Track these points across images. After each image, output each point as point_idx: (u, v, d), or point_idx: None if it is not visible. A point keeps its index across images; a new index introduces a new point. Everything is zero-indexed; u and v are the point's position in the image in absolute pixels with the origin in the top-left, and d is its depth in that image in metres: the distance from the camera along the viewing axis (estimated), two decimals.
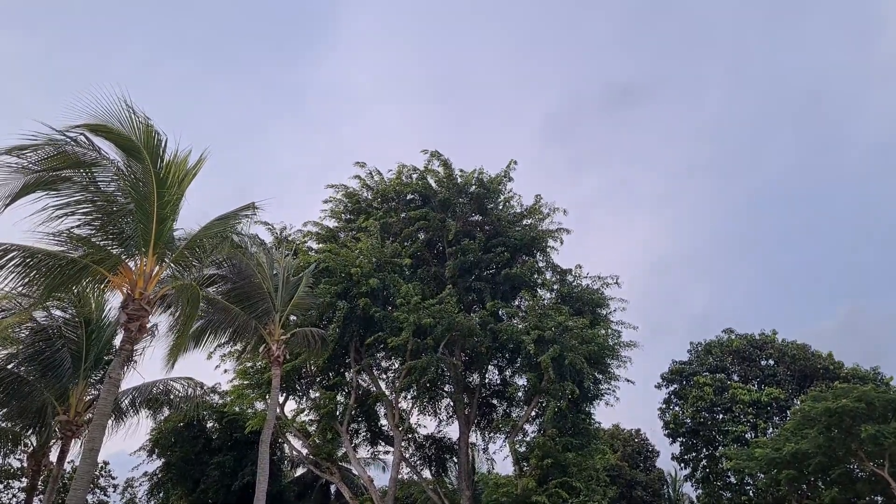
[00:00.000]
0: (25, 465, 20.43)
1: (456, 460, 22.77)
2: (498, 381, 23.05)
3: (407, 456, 22.96)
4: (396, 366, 21.65)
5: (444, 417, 23.50)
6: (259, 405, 21.19)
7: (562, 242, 21.97)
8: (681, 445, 33.62)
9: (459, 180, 22.01)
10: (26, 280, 9.93)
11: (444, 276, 21.04)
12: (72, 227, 10.27)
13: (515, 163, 22.36)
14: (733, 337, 35.63)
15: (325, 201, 23.09)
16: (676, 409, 34.04)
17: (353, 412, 20.91)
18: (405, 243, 21.48)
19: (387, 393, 21.00)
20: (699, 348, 35.91)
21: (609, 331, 20.06)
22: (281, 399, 20.45)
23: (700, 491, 32.83)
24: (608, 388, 20.14)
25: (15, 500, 26.13)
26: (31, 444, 16.75)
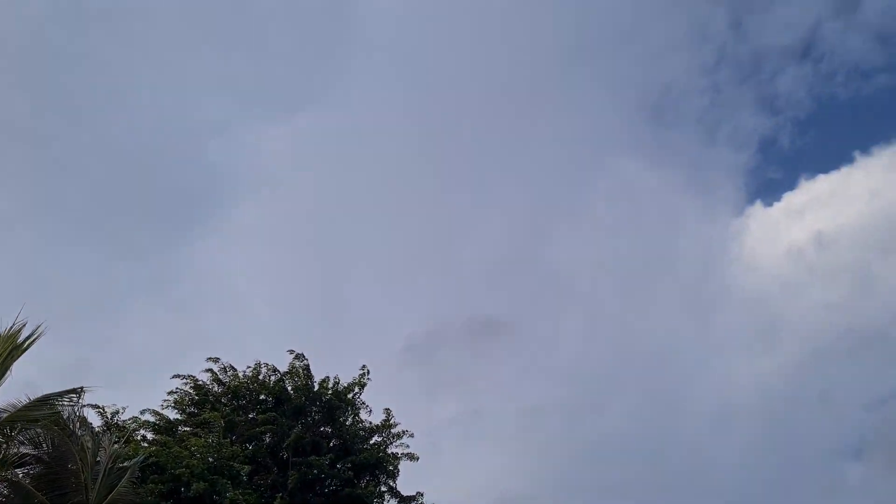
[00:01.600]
0: None
1: None
2: None
3: None
4: None
5: None
6: None
7: (413, 460, 21.72)
8: None
9: (316, 387, 21.88)
10: None
11: (286, 486, 19.87)
12: None
13: (368, 372, 22.60)
14: None
15: (170, 392, 21.76)
16: None
17: None
18: (248, 445, 20.42)
19: None
20: None
21: None
22: None
23: None
24: None
25: None
26: None
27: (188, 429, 20.58)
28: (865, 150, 59.09)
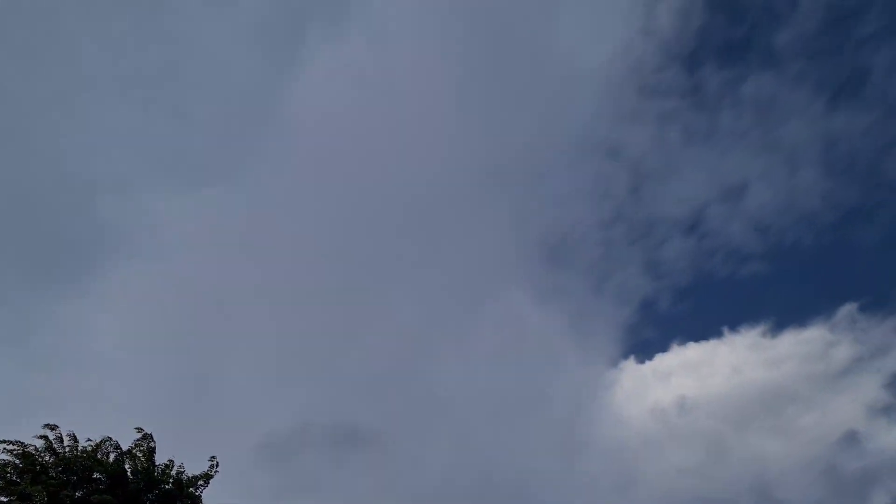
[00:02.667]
0: None
1: None
2: None
3: None
4: None
5: None
6: None
7: None
8: None
9: (158, 472, 20.59)
10: None
11: None
12: None
13: (218, 465, 21.56)
14: None
15: None
16: None
17: None
18: None
19: None
20: None
21: None
22: None
23: None
24: None
25: None
26: None
27: (4, 499, 18.74)
28: (733, 327, 64.40)
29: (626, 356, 70.81)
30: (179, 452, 21.79)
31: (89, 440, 21.00)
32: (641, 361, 70.20)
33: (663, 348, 70.92)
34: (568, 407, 69.30)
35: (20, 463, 19.79)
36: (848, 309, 57.90)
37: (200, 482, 21.18)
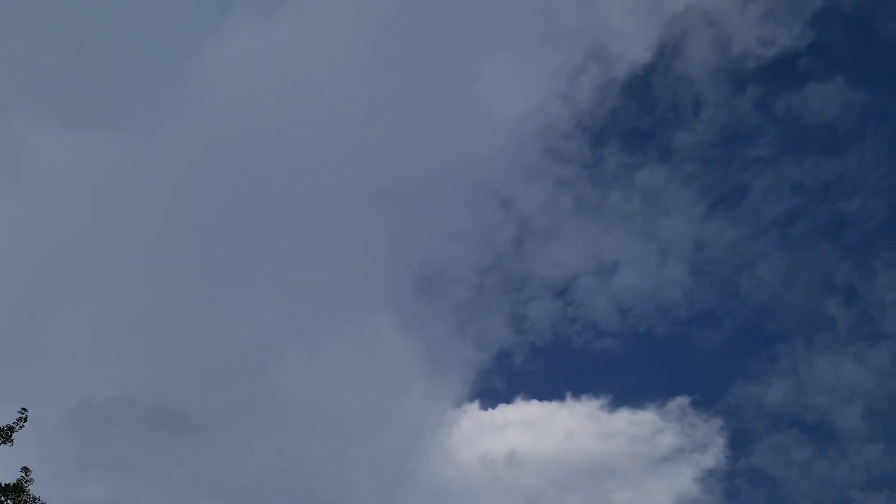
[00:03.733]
0: None
1: None
2: None
3: None
4: None
5: None
6: None
7: None
8: None
9: None
10: None
11: None
12: None
13: (26, 419, 19.32)
14: None
15: None
16: None
17: None
18: None
19: None
20: None
21: None
22: None
23: None
24: None
25: None
26: None
27: None
28: (576, 394, 67.05)
29: (471, 399, 71.89)
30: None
31: None
32: (485, 408, 71.44)
33: (508, 400, 72.74)
34: (404, 437, 68.97)
35: None
36: (680, 401, 62.16)
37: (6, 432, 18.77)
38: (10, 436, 18.89)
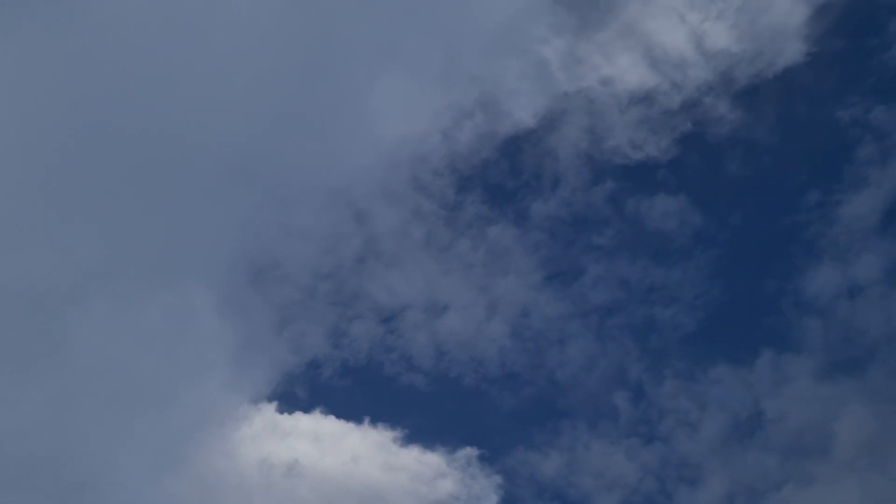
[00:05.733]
0: None
1: None
2: None
3: None
4: None
5: None
6: None
7: None
8: None
9: None
10: None
11: None
12: None
13: None
14: None
15: None
16: None
17: None
18: None
19: None
20: None
21: None
22: None
23: None
24: None
25: None
26: None
27: None
28: (374, 420, 67.58)
29: (270, 400, 69.94)
30: None
31: None
32: (281, 412, 69.78)
33: (307, 409, 71.65)
34: (189, 421, 65.73)
35: None
36: (468, 452, 64.12)
37: None
38: None
